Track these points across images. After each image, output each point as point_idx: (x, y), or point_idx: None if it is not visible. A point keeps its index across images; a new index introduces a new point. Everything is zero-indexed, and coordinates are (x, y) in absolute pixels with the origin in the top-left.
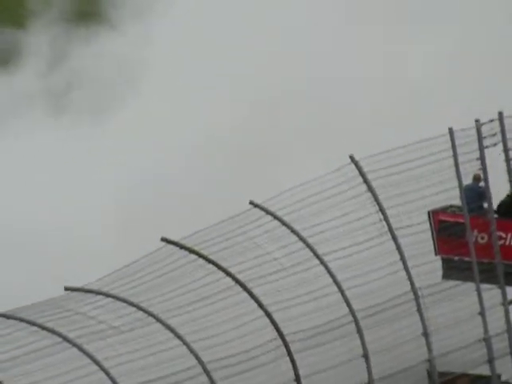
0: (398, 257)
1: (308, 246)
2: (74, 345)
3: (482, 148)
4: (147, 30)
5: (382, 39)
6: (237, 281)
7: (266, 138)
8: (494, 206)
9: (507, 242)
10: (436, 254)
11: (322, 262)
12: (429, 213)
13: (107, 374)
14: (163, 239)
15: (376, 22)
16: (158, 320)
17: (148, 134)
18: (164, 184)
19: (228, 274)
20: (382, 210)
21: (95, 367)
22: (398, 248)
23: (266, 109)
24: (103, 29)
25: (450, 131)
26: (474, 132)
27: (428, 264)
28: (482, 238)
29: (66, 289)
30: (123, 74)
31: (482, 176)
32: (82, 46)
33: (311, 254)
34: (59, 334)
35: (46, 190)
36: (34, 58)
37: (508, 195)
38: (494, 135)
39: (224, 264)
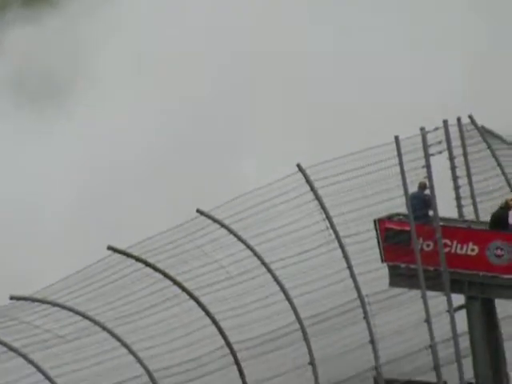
0: (344, 264)
1: (255, 254)
2: (20, 354)
3: (427, 156)
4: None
5: None
6: (184, 289)
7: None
8: (443, 214)
9: (453, 250)
10: (382, 262)
11: (270, 270)
12: (375, 221)
13: (53, 383)
14: (110, 248)
15: None
16: (105, 329)
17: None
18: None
19: (175, 282)
20: (328, 217)
21: (41, 377)
22: (345, 256)
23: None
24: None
25: (396, 139)
26: (419, 140)
27: (374, 271)
28: (428, 246)
29: (12, 298)
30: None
31: (427, 184)
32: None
33: (258, 262)
34: (4, 344)
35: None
36: None
37: (501, 207)
38: (440, 143)
39: (171, 272)
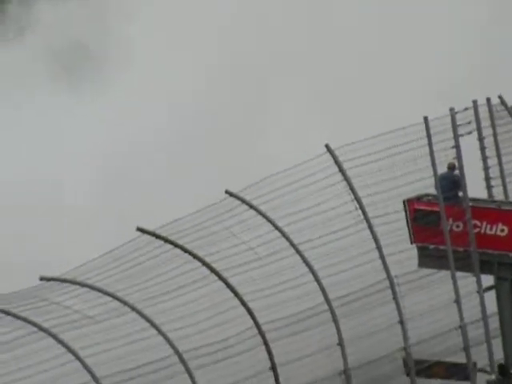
0: (373, 245)
1: (284, 235)
2: (50, 334)
3: (456, 136)
4: None
5: None
6: (212, 270)
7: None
8: (472, 194)
9: (482, 231)
10: (412, 243)
11: (298, 251)
12: (404, 201)
13: (83, 363)
14: (139, 229)
15: None
16: (134, 309)
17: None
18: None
19: (204, 263)
20: (357, 198)
21: (71, 357)
22: (374, 236)
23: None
24: None
25: (425, 120)
26: (448, 120)
27: (404, 252)
28: (458, 227)
29: (42, 278)
30: None
31: (456, 164)
32: None
33: (287, 243)
34: (34, 324)
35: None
36: None
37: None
38: (469, 123)
39: (200, 253)
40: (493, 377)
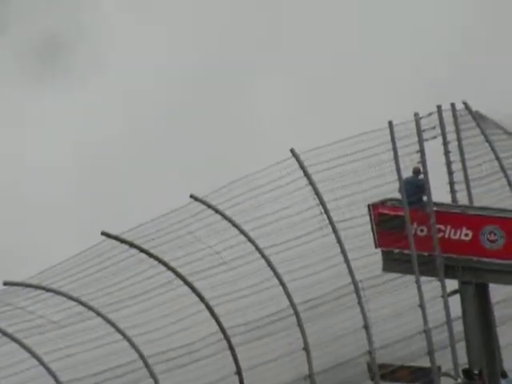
0: (338, 250)
1: (249, 239)
2: (14, 339)
3: (421, 141)
4: None
5: None
6: (178, 274)
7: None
8: (436, 199)
9: (446, 235)
10: (376, 247)
11: (263, 256)
12: (369, 206)
13: (47, 368)
14: (103, 233)
15: None
16: (99, 314)
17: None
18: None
19: (169, 267)
20: (322, 203)
21: (35, 362)
22: (339, 241)
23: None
24: None
25: (390, 124)
26: (413, 125)
27: (368, 257)
28: (422, 231)
29: (5, 283)
30: None
31: (421, 169)
32: None
33: (252, 247)
34: None
35: None
36: None
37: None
38: (434, 128)
39: (165, 258)
40: (459, 381)
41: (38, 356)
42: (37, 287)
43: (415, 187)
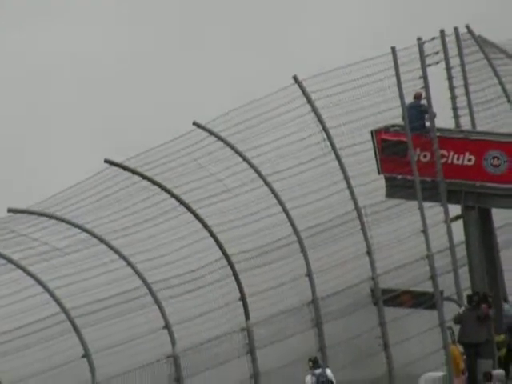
0: (341, 176)
1: (252, 166)
2: (19, 266)
3: (424, 66)
4: None
5: None
6: (181, 202)
7: None
8: (440, 124)
9: (449, 160)
10: (379, 173)
11: (267, 183)
12: (372, 132)
13: (52, 295)
14: (106, 161)
15: None
16: (103, 241)
17: None
18: None
19: (172, 195)
20: (325, 129)
21: (40, 288)
22: (342, 167)
23: None
24: None
25: (393, 50)
26: (416, 50)
27: (371, 183)
28: (425, 157)
29: (9, 210)
30: None
31: (423, 94)
32: None
33: (255, 174)
34: (3, 256)
35: None
36: None
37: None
38: (437, 53)
39: (168, 185)
40: (462, 310)
41: (43, 283)
42: (40, 214)
43: (418, 113)
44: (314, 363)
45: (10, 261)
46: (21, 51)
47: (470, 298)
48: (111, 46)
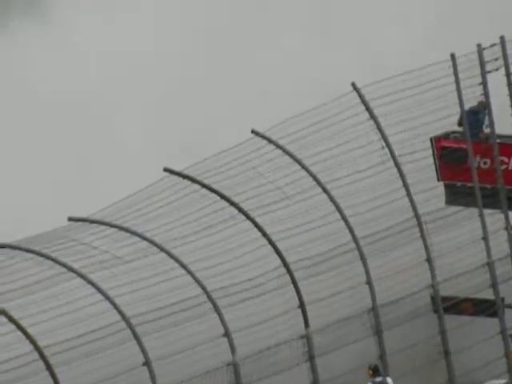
0: (400, 183)
1: (311, 174)
2: (79, 275)
3: (484, 73)
4: None
5: None
6: (240, 210)
7: None
8: (500, 131)
9: (510, 167)
10: (439, 180)
11: (325, 190)
12: (431, 139)
13: (113, 303)
14: (166, 169)
15: None
16: (163, 250)
17: None
18: None
19: (231, 203)
20: (384, 137)
21: (101, 297)
22: (401, 175)
23: None
24: None
25: (452, 56)
26: (476, 57)
27: (431, 190)
28: (485, 163)
29: (70, 219)
30: None
31: (484, 101)
32: None
33: (314, 182)
34: (64, 264)
35: None
36: None
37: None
38: (496, 60)
39: (227, 193)
40: None
41: (104, 291)
42: (101, 223)
43: (478, 120)
44: (375, 371)
45: (71, 269)
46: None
47: None
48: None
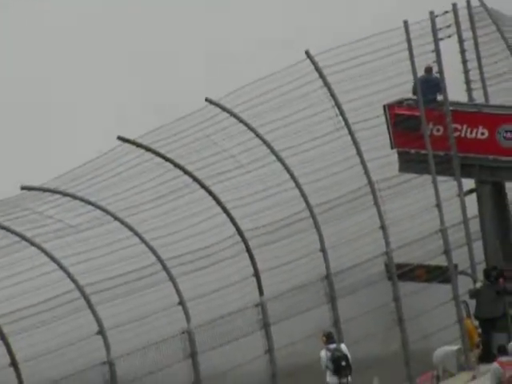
0: (354, 151)
1: (265, 142)
2: (33, 244)
3: (436, 40)
4: None
5: None
6: (194, 178)
7: None
8: (452, 98)
9: (462, 134)
10: (392, 148)
11: (279, 158)
12: (384, 106)
13: (67, 272)
14: (119, 138)
15: None
16: (117, 218)
17: None
18: None
19: (185, 171)
20: (337, 104)
21: (55, 266)
22: (355, 142)
23: None
24: None
25: (405, 24)
26: (428, 24)
27: (384, 157)
28: (438, 131)
29: (23, 188)
30: None
31: (434, 68)
32: None
33: (268, 150)
34: (17, 233)
35: None
36: None
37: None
38: (449, 27)
39: (181, 162)
40: (479, 284)
41: (57, 260)
42: (54, 192)
43: (431, 86)
44: (329, 338)
45: (24, 238)
46: None
47: (487, 272)
48: None
